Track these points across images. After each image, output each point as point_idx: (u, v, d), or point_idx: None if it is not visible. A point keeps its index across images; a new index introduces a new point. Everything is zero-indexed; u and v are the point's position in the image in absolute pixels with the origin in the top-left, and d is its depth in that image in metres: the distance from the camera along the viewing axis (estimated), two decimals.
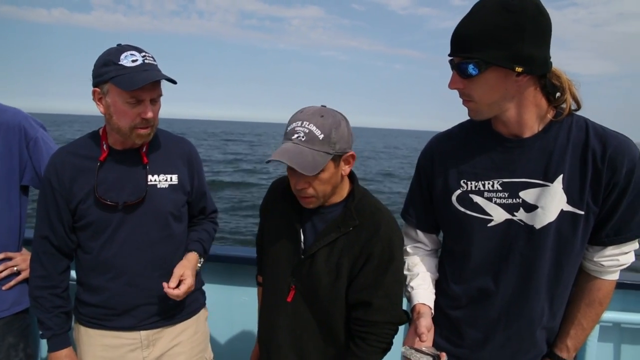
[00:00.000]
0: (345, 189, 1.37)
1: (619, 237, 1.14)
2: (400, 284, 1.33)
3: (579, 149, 1.12)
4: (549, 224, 1.14)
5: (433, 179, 1.28)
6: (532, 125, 1.14)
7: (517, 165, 1.15)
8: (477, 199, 1.20)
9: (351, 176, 1.40)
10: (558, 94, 1.11)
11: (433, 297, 1.31)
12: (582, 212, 1.12)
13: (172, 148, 1.57)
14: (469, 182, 1.21)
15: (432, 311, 1.27)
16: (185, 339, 1.60)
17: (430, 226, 1.35)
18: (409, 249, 1.38)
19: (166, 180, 1.51)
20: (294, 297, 1.36)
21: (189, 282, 1.43)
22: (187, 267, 1.47)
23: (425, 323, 1.18)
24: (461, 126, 1.29)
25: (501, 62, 1.03)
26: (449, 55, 1.10)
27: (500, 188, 1.17)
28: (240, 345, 2.35)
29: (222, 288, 2.29)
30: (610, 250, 1.16)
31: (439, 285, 1.35)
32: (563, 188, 1.12)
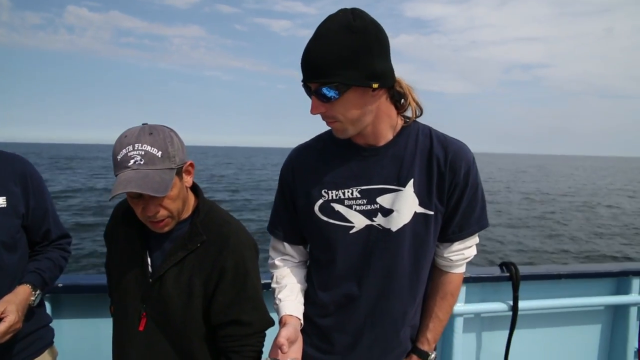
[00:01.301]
0: (191, 203, 1.32)
1: (463, 233, 1.25)
2: (260, 291, 1.32)
3: (425, 155, 1.21)
4: (404, 225, 1.20)
5: (295, 190, 1.29)
6: (385, 135, 1.21)
7: (373, 173, 1.21)
8: (338, 207, 1.23)
9: (195, 190, 1.35)
10: (402, 100, 1.20)
11: (301, 307, 1.30)
12: (432, 213, 1.21)
13: (1, 167, 1.36)
14: (329, 192, 1.23)
15: (302, 321, 1.27)
16: None
17: (297, 238, 1.34)
18: (277, 261, 1.36)
19: None
20: (146, 325, 1.26)
21: (10, 319, 1.24)
22: (10, 302, 1.27)
23: (286, 333, 1.15)
24: (319, 138, 1.32)
25: (359, 81, 1.06)
26: (304, 81, 1.10)
27: (359, 195, 1.21)
28: None
29: (87, 322, 2.06)
30: (457, 246, 1.27)
31: (307, 295, 1.35)
32: (414, 191, 1.20)
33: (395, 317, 1.26)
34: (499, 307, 2.35)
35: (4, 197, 1.33)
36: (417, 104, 1.22)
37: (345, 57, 1.04)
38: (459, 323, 2.28)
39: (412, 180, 1.19)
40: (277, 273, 1.35)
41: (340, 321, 1.28)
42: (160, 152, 1.14)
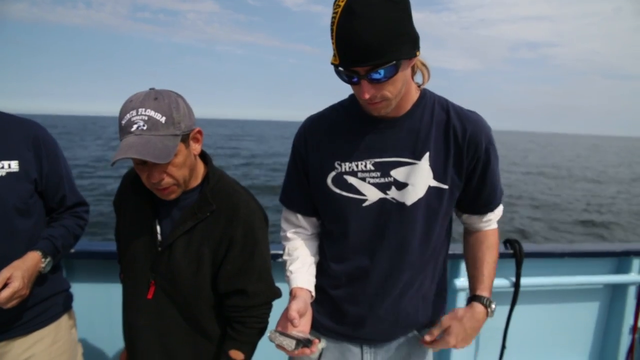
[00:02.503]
0: (200, 172, 1.31)
1: (492, 205, 1.30)
2: (268, 262, 1.32)
3: (441, 128, 1.19)
4: (419, 199, 1.19)
5: (307, 161, 1.27)
6: (405, 105, 1.18)
7: (387, 145, 1.19)
8: (351, 179, 1.21)
9: (204, 158, 1.34)
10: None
11: (313, 279, 1.30)
12: (447, 187, 1.20)
13: (11, 131, 1.36)
14: (343, 164, 1.21)
15: (313, 293, 1.27)
16: (40, 350, 1.43)
17: (310, 209, 1.33)
18: (289, 234, 1.36)
19: (2, 168, 1.31)
20: (154, 293, 1.27)
21: (15, 285, 1.24)
22: (17, 268, 1.27)
23: (297, 307, 1.15)
24: (333, 108, 1.29)
25: (411, 54, 1.02)
26: (348, 67, 1.00)
27: (372, 168, 1.19)
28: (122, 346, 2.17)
29: (100, 287, 2.12)
30: (489, 215, 1.33)
31: (320, 266, 1.35)
32: (430, 165, 1.18)
33: (406, 288, 1.27)
34: (501, 283, 2.39)
35: (17, 162, 1.33)
36: (424, 65, 1.19)
37: (397, 32, 0.97)
38: (460, 297, 2.33)
39: (427, 154, 1.18)
40: (289, 245, 1.35)
41: (352, 293, 1.28)
42: (164, 118, 1.11)
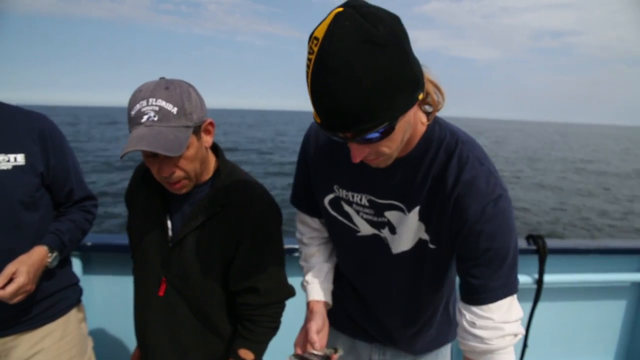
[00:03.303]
0: (211, 164, 1.27)
1: (480, 297, 0.96)
2: (282, 259, 1.29)
3: (435, 181, 0.98)
4: (403, 252, 1.09)
5: (309, 172, 1.21)
6: (406, 147, 0.99)
7: (382, 187, 1.05)
8: (347, 207, 1.13)
9: (216, 150, 1.29)
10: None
11: (330, 286, 1.26)
12: (434, 247, 1.05)
13: (17, 124, 1.34)
14: (341, 189, 1.12)
15: (330, 302, 1.24)
16: (48, 345, 1.42)
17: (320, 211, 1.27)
18: (305, 239, 1.31)
19: (8, 161, 1.28)
20: (165, 290, 1.25)
21: (20, 280, 1.22)
22: (23, 263, 1.26)
23: (316, 327, 1.11)
24: None
25: (409, 104, 0.81)
26: (335, 132, 0.81)
27: (367, 204, 1.09)
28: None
29: (117, 279, 2.12)
30: (473, 317, 0.98)
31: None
32: (419, 219, 1.03)
33: (396, 321, 1.23)
34: (523, 279, 2.31)
35: (23, 155, 1.31)
36: (436, 87, 0.94)
37: (387, 86, 0.75)
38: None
39: (417, 207, 1.02)
40: (305, 251, 1.30)
41: (353, 301, 1.29)
42: (175, 109, 1.06)
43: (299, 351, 1.11)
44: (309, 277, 1.24)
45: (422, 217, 1.02)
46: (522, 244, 2.32)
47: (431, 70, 0.91)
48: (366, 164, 0.96)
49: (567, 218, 12.82)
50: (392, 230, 1.08)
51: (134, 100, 1.08)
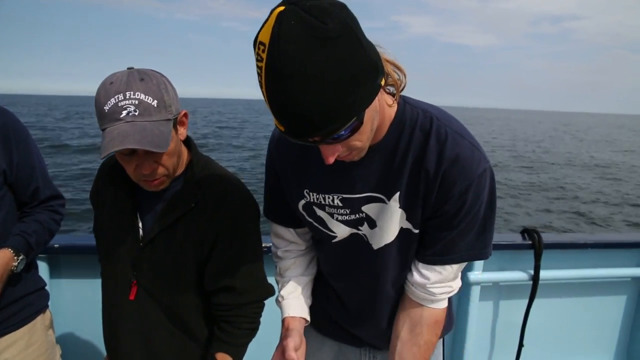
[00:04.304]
0: (184, 158, 1.21)
1: (445, 257, 1.03)
2: (260, 257, 1.24)
3: (417, 160, 0.96)
4: (386, 245, 1.05)
5: (279, 180, 1.16)
6: (377, 134, 0.96)
7: (357, 180, 1.01)
8: (320, 212, 1.09)
9: (187, 142, 1.23)
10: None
11: (306, 302, 1.22)
12: (417, 232, 1.03)
13: None
14: (311, 193, 1.08)
15: (307, 318, 1.20)
16: (13, 354, 1.36)
17: (297, 220, 1.19)
18: (280, 253, 1.26)
19: None
20: (137, 293, 1.19)
21: None
22: None
23: (294, 344, 1.07)
24: None
25: (372, 95, 0.78)
26: (300, 139, 0.78)
27: (340, 204, 1.05)
28: None
29: (88, 283, 2.04)
30: (437, 273, 1.05)
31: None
32: (400, 206, 1.00)
33: (385, 318, 1.19)
34: (519, 276, 2.26)
35: None
36: (396, 67, 0.90)
37: (348, 81, 0.72)
38: (475, 291, 2.22)
39: (397, 194, 0.99)
40: (280, 265, 1.26)
41: (336, 306, 1.24)
42: (155, 101, 1.01)
43: None
44: (284, 292, 1.20)
45: (403, 204, 1.00)
46: (516, 238, 2.27)
47: (386, 49, 0.87)
48: (334, 166, 0.92)
49: (563, 211, 12.80)
50: (372, 224, 1.04)
51: (105, 94, 1.01)
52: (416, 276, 1.06)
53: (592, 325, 2.57)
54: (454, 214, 0.97)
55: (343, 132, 0.78)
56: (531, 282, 2.23)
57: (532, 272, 2.23)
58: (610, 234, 7.20)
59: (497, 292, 2.39)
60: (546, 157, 25.33)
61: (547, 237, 2.26)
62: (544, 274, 2.22)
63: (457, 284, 1.09)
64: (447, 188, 0.94)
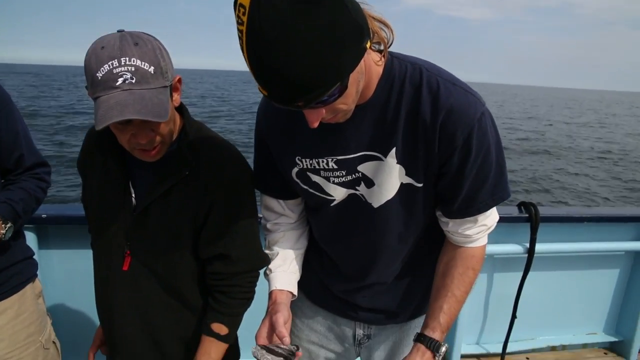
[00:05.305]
0: (177, 125, 1.17)
1: (471, 209, 1.03)
2: (255, 225, 1.22)
3: (411, 113, 0.95)
4: (388, 201, 1.04)
5: (269, 150, 1.14)
6: (366, 93, 0.95)
7: (350, 140, 1.00)
8: (315, 177, 1.07)
9: (180, 108, 1.19)
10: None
11: (295, 276, 1.22)
12: (420, 185, 1.02)
13: None
14: (303, 160, 1.07)
15: (294, 292, 1.20)
16: (3, 323, 1.35)
17: (289, 192, 1.18)
18: (269, 225, 1.25)
19: None
20: (130, 264, 1.17)
21: None
22: None
23: (283, 320, 1.07)
24: None
25: (357, 58, 0.78)
26: (284, 105, 0.78)
27: (335, 166, 1.04)
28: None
29: (79, 254, 2.03)
30: (470, 222, 1.06)
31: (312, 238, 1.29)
32: (398, 162, 1.00)
33: (383, 284, 1.21)
34: (514, 249, 2.28)
35: None
36: (383, 23, 0.89)
37: (332, 46, 0.71)
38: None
39: (394, 150, 0.98)
40: (269, 238, 1.25)
41: (331, 274, 1.24)
42: (152, 68, 0.96)
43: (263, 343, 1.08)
44: (272, 265, 1.20)
45: (401, 159, 0.99)
46: (513, 211, 2.28)
47: (373, 6, 0.86)
48: (325, 128, 0.93)
49: (560, 185, 12.86)
50: (369, 183, 1.04)
51: (97, 59, 0.95)
52: (449, 226, 1.08)
53: (584, 298, 2.61)
54: (463, 165, 0.96)
55: (327, 97, 0.77)
56: (526, 255, 2.25)
57: (527, 245, 2.25)
58: (607, 208, 7.26)
59: (491, 264, 2.41)
60: (549, 133, 25.36)
61: (544, 210, 2.26)
62: (539, 247, 2.24)
63: (492, 220, 1.09)
64: (449, 140, 0.93)
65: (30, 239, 1.93)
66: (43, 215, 1.87)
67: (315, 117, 0.83)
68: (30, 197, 1.36)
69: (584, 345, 2.71)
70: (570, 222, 2.40)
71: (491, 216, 1.08)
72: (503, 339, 2.41)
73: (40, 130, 16.46)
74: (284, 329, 1.05)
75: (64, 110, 23.49)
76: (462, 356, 2.51)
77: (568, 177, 13.94)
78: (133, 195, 1.16)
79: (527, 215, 2.22)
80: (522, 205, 2.29)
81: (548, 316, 2.61)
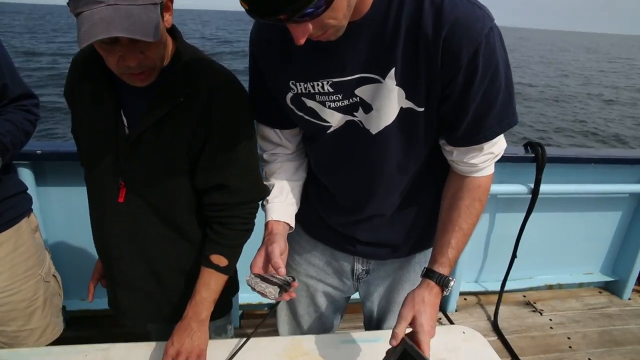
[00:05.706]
0: (169, 49, 1.10)
1: (478, 137, 0.98)
2: (255, 154, 1.19)
3: (411, 28, 0.87)
4: (387, 127, 0.99)
5: (264, 76, 1.08)
6: (362, 7, 0.88)
7: (346, 60, 0.93)
8: (310, 103, 1.02)
9: (172, 31, 1.11)
10: None
11: (292, 207, 1.20)
12: (421, 110, 0.96)
13: None
14: (298, 84, 1.01)
15: (291, 224, 1.18)
16: (1, 256, 1.35)
17: (286, 121, 1.13)
18: (265, 156, 1.22)
19: None
20: (125, 196, 1.14)
21: None
22: None
23: (279, 250, 1.05)
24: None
25: None
26: (270, 17, 0.72)
27: (331, 90, 0.98)
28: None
29: (74, 190, 2.01)
30: (475, 149, 1.01)
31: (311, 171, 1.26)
32: (397, 84, 0.93)
33: (382, 217, 1.18)
34: (518, 189, 2.26)
35: None
36: None
37: None
38: None
39: (392, 70, 0.91)
40: (266, 169, 1.22)
41: (329, 207, 1.22)
42: None
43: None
44: (269, 195, 1.17)
45: (401, 81, 0.92)
46: (519, 151, 2.24)
47: None
48: (320, 50, 0.88)
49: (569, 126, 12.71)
50: (367, 108, 0.98)
51: None
52: (454, 155, 1.04)
53: (584, 239, 2.63)
54: (468, 86, 0.89)
55: (312, 9, 0.71)
56: (530, 196, 2.23)
57: (532, 185, 2.22)
58: (614, 150, 7.19)
59: (494, 204, 2.40)
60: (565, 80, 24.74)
61: (551, 151, 2.22)
62: (543, 187, 2.21)
63: (499, 148, 1.03)
64: (454, 57, 0.86)
65: (27, 175, 1.91)
66: (38, 152, 1.83)
67: (301, 33, 0.77)
68: (17, 129, 1.31)
69: (580, 285, 2.76)
70: (577, 163, 2.37)
71: (498, 143, 1.03)
72: (502, 278, 2.45)
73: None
74: (279, 259, 1.03)
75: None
76: (461, 293, 2.56)
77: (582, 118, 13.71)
78: (125, 123, 1.10)
79: (533, 155, 2.18)
80: (528, 145, 2.24)
81: (547, 256, 2.64)
